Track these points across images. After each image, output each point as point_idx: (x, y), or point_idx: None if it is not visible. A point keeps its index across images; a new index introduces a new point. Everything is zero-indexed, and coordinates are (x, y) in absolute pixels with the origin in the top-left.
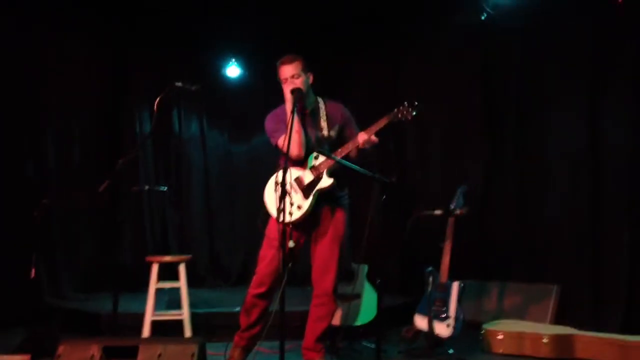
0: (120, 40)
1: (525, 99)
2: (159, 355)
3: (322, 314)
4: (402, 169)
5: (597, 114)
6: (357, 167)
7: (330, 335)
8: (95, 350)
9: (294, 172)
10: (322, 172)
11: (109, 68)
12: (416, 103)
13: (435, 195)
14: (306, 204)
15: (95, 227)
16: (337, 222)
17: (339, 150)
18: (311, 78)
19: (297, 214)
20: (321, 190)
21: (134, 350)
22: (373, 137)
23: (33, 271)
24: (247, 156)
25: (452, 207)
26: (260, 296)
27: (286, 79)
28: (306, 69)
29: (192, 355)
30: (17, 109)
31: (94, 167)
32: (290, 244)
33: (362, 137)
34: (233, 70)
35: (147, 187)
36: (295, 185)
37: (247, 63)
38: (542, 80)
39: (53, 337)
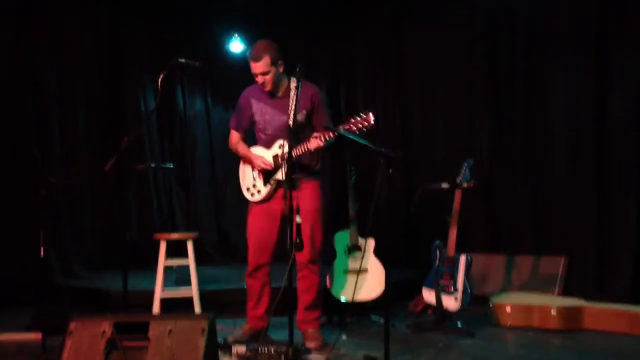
0: (121, 16)
1: (529, 68)
2: (170, 331)
3: (306, 286)
4: (407, 143)
5: (603, 81)
6: (363, 140)
7: (338, 310)
8: (106, 326)
9: (260, 153)
10: (281, 163)
11: (110, 45)
12: (366, 107)
13: (440, 168)
14: (264, 190)
15: (102, 206)
16: (311, 197)
17: (295, 149)
18: (282, 67)
19: (257, 197)
20: (279, 180)
21: (144, 326)
22: (321, 142)
23: (42, 250)
24: (251, 132)
25: (458, 180)
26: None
27: (256, 75)
28: (276, 59)
29: (203, 330)
30: (20, 90)
31: (99, 145)
32: (298, 219)
33: (314, 143)
34: (236, 46)
35: (153, 165)
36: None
37: (250, 38)
38: (546, 47)
39: (63, 315)
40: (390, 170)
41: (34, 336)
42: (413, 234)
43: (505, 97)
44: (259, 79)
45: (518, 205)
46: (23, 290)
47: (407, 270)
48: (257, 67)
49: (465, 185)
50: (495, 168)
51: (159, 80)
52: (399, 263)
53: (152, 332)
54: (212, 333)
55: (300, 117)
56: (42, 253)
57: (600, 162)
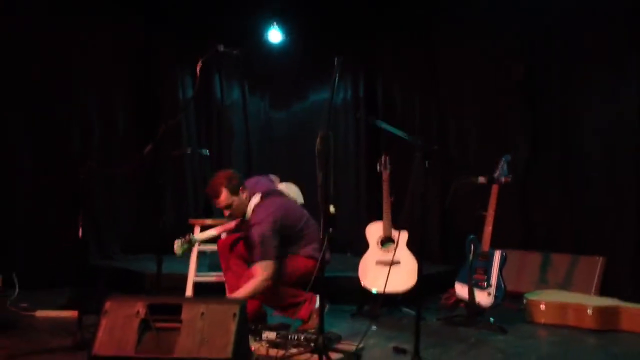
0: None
1: (568, 67)
2: (202, 314)
3: None
4: (443, 140)
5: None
6: (399, 132)
7: (369, 301)
8: (140, 307)
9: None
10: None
11: (147, 34)
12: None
13: (476, 166)
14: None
15: (139, 191)
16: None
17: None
18: (241, 195)
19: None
20: None
21: (177, 309)
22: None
23: (80, 231)
24: (286, 123)
25: (496, 175)
26: None
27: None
28: (235, 188)
29: (234, 315)
30: (59, 81)
31: (137, 132)
32: (331, 209)
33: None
34: (274, 35)
35: (189, 151)
36: None
37: (288, 28)
38: (584, 48)
39: (99, 295)
40: (427, 163)
41: (71, 314)
42: (447, 228)
43: (543, 96)
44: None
45: (555, 204)
46: (61, 270)
47: (439, 264)
48: (216, 203)
49: (503, 179)
50: (532, 165)
51: (197, 68)
52: (432, 256)
53: (185, 314)
54: (243, 318)
55: None
56: (80, 234)
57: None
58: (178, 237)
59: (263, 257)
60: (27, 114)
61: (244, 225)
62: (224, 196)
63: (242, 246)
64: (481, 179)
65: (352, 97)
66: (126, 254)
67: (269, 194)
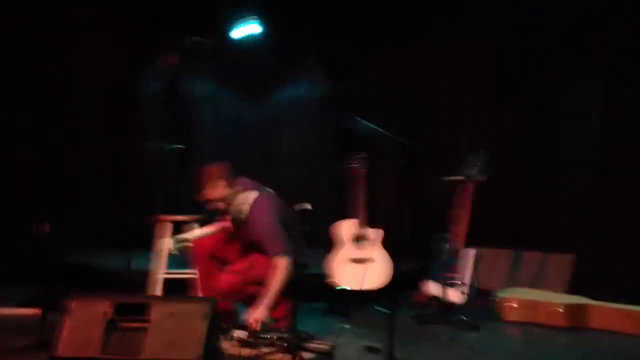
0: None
1: (542, 67)
2: (171, 314)
3: None
4: (418, 134)
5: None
6: (377, 128)
7: (340, 299)
8: (106, 306)
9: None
10: None
11: (117, 26)
12: None
13: (448, 160)
14: None
15: (106, 186)
16: None
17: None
18: (228, 189)
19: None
20: None
21: (145, 308)
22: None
23: (47, 226)
24: (257, 117)
25: (470, 172)
26: None
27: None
28: (222, 185)
29: (205, 314)
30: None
31: (104, 127)
32: (308, 206)
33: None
34: (245, 29)
35: (158, 146)
36: None
37: (262, 20)
38: (560, 47)
39: (63, 292)
40: (405, 160)
41: (34, 312)
42: (418, 225)
43: (515, 96)
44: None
45: (526, 202)
46: (24, 267)
47: (411, 261)
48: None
49: (479, 178)
50: (503, 163)
51: (167, 62)
52: (403, 253)
53: (153, 314)
54: (213, 317)
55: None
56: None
57: (607, 161)
58: (173, 235)
59: (280, 250)
60: None
61: (239, 223)
62: (218, 190)
63: (217, 246)
64: (458, 177)
65: (325, 91)
66: (93, 250)
67: (262, 188)
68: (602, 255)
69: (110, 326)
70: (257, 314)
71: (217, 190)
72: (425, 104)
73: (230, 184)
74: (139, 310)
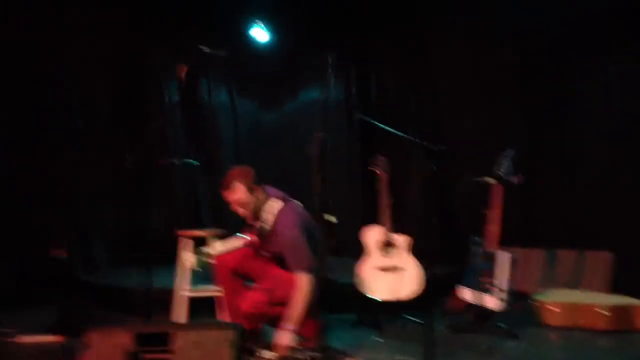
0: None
1: (569, 58)
2: (195, 343)
3: None
4: (440, 134)
5: None
6: (404, 134)
7: (369, 309)
8: (126, 338)
9: None
10: None
11: (130, 35)
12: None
13: (474, 161)
14: None
15: (125, 202)
16: None
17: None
18: (254, 195)
19: None
20: None
21: (167, 338)
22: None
23: (64, 252)
24: (277, 124)
25: (500, 172)
26: None
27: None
28: (247, 189)
29: (229, 342)
30: (39, 81)
31: (121, 139)
32: (333, 219)
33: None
34: (260, 34)
35: (176, 161)
36: None
37: (275, 26)
38: (586, 39)
39: (87, 315)
40: (434, 166)
41: (56, 339)
42: (447, 228)
43: (542, 91)
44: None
45: (559, 199)
46: (46, 288)
47: (441, 267)
48: (225, 195)
49: (514, 179)
50: (534, 160)
51: (183, 71)
52: (433, 259)
53: (176, 344)
54: (239, 345)
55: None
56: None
57: None
58: (195, 250)
59: (304, 266)
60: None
61: (264, 234)
62: (240, 192)
63: (241, 262)
64: (490, 179)
65: (345, 95)
66: (116, 268)
67: (288, 199)
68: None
69: (132, 359)
70: (284, 340)
71: (238, 194)
72: (446, 102)
73: (255, 191)
74: (162, 340)
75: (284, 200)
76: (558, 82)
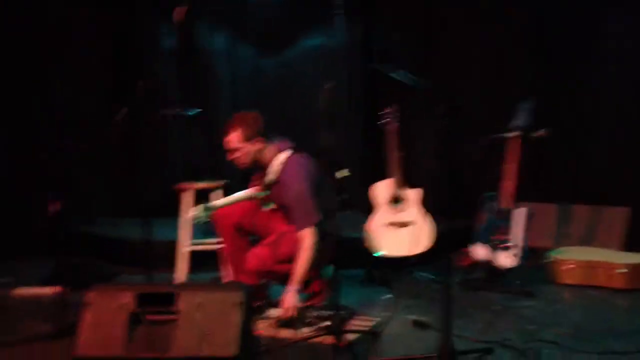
0: None
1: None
2: (200, 304)
3: None
4: (450, 88)
5: None
6: (412, 77)
7: (378, 266)
8: (128, 297)
9: None
10: None
11: None
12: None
13: (485, 116)
14: None
15: (123, 154)
16: None
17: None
18: (257, 144)
19: None
20: None
21: (171, 298)
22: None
23: (57, 204)
24: (276, 71)
25: (517, 125)
26: None
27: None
28: (250, 135)
29: (237, 304)
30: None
31: (114, 90)
32: (346, 172)
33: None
34: None
35: (174, 111)
36: None
37: None
38: None
39: (85, 266)
40: (446, 118)
41: (53, 291)
42: (457, 184)
43: (555, 42)
44: (229, 154)
45: (575, 152)
46: (44, 240)
47: (451, 222)
48: (226, 142)
49: (538, 134)
50: (550, 113)
51: (179, 14)
52: (444, 214)
53: (180, 305)
54: (248, 307)
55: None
56: (58, 207)
57: None
58: (197, 203)
59: (308, 221)
60: None
61: (269, 186)
62: (235, 137)
63: (245, 216)
64: (513, 134)
65: (352, 44)
66: (113, 219)
67: (297, 150)
68: None
69: (134, 320)
70: (289, 301)
71: (234, 141)
72: (456, 55)
73: (254, 140)
74: (166, 301)
75: (292, 150)
76: (575, 30)
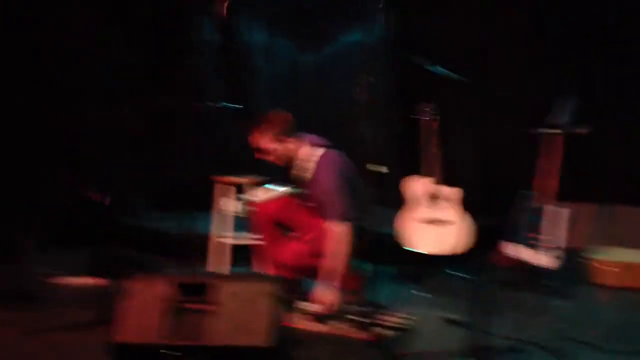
0: None
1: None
2: (234, 294)
3: None
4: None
5: None
6: (450, 73)
7: (411, 262)
8: (167, 287)
9: None
10: None
11: None
12: None
13: (529, 109)
14: None
15: (161, 146)
16: None
17: None
18: (286, 144)
19: None
20: None
21: (208, 288)
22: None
23: (103, 195)
24: (316, 66)
25: (562, 122)
26: None
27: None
28: (277, 138)
29: (269, 294)
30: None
31: (156, 82)
32: (384, 169)
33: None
34: None
35: (213, 104)
36: None
37: None
38: None
39: (125, 258)
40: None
41: (93, 281)
42: (499, 181)
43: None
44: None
45: (622, 152)
46: (84, 230)
47: (486, 220)
48: (252, 141)
49: (580, 131)
50: (595, 110)
51: (224, 6)
52: (479, 212)
53: (217, 295)
54: (279, 297)
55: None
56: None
57: None
58: (236, 196)
59: (340, 214)
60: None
61: (304, 183)
62: (260, 139)
63: (283, 211)
64: (556, 131)
65: (389, 36)
66: (150, 212)
67: (329, 146)
68: None
69: (173, 308)
70: (327, 295)
71: (263, 142)
72: (498, 46)
73: (283, 139)
74: (202, 291)
75: (324, 147)
76: (616, 19)
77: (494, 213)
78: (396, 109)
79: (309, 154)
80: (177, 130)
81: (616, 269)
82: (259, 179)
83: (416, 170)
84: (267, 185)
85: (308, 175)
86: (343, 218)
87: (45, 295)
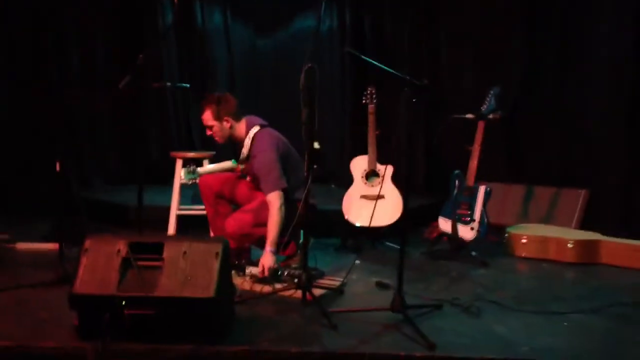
0: None
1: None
2: (184, 253)
3: None
4: (435, 71)
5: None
6: (387, 68)
7: (352, 235)
8: (121, 245)
9: None
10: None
11: None
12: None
13: (467, 98)
14: None
15: (120, 124)
16: None
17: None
18: (227, 122)
19: None
20: None
21: (159, 247)
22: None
23: (57, 165)
24: (273, 50)
25: (483, 110)
26: None
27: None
28: (220, 114)
29: (217, 254)
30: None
31: (116, 63)
32: (316, 145)
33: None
34: None
35: (169, 84)
36: None
37: None
38: None
39: (81, 226)
40: (414, 99)
41: (52, 246)
42: (432, 163)
43: (542, 31)
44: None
45: (542, 138)
46: (42, 202)
47: (422, 198)
48: (202, 118)
49: (491, 116)
50: (523, 99)
51: None
52: (416, 190)
53: (167, 253)
54: (225, 256)
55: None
56: (58, 167)
57: (634, 100)
58: (185, 165)
59: (273, 186)
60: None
61: (245, 160)
62: (207, 116)
63: (226, 185)
64: (469, 115)
65: (338, 26)
66: (110, 185)
67: (266, 125)
68: (617, 191)
69: (126, 264)
70: (265, 261)
71: (207, 120)
72: (442, 39)
73: (223, 119)
74: (153, 249)
75: (261, 126)
76: (559, 21)
77: (435, 193)
78: (346, 94)
79: (247, 133)
80: (139, 107)
81: (529, 242)
82: (209, 154)
83: (365, 151)
84: (207, 161)
85: (245, 151)
86: (276, 189)
87: (6, 258)
